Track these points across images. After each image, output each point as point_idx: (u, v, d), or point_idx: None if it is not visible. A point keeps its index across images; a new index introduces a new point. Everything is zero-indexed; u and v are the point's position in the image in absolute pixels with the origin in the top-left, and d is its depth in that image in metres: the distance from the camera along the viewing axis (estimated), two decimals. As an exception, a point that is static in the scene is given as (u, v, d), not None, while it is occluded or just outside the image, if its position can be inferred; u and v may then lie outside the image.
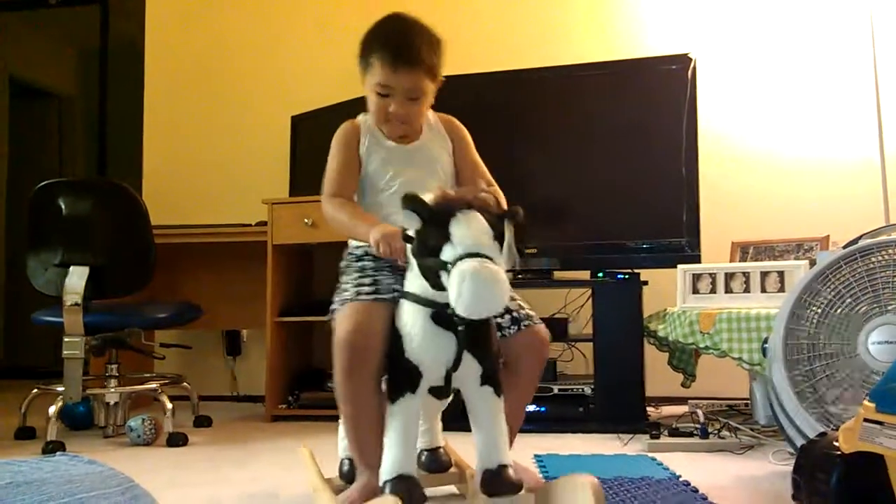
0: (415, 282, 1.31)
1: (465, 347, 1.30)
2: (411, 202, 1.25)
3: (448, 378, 1.33)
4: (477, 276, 1.13)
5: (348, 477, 1.62)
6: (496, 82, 3.02)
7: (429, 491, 1.35)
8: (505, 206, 1.45)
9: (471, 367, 1.32)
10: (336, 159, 1.60)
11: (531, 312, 1.54)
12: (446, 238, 1.21)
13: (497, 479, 1.31)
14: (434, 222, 1.24)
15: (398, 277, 1.43)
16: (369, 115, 1.64)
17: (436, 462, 1.68)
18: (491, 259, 1.19)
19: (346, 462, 1.64)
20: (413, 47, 1.52)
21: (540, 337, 1.52)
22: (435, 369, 1.32)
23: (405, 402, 1.32)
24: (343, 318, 1.40)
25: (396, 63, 1.51)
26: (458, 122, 1.71)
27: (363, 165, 1.60)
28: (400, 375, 1.33)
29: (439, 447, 1.71)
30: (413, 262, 1.30)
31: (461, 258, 1.17)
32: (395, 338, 1.35)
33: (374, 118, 1.60)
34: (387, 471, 1.30)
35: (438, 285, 1.23)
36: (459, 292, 1.14)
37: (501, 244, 1.25)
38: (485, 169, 1.68)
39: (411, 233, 1.28)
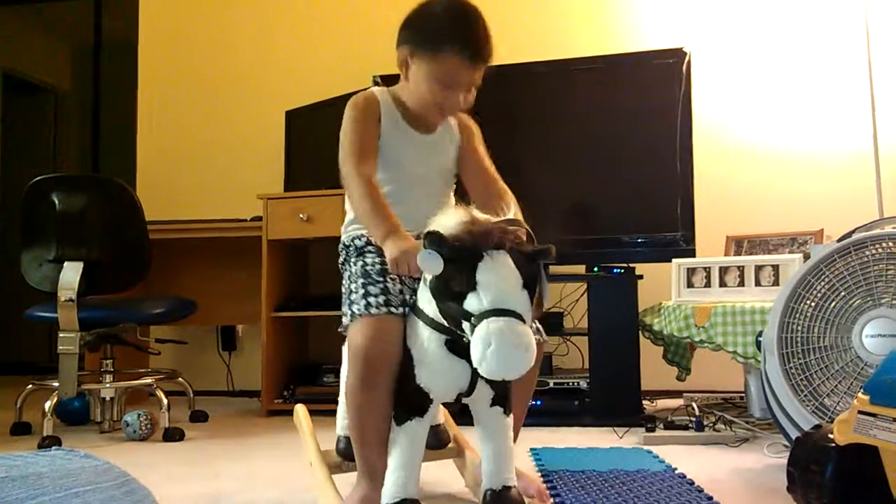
0: (430, 303, 1.24)
1: (479, 376, 1.25)
2: (433, 241, 1.15)
3: (458, 399, 1.32)
4: (504, 343, 1.06)
5: (344, 453, 1.62)
6: (490, 77, 3.00)
7: (429, 465, 1.35)
8: (517, 210, 1.40)
9: (483, 391, 1.31)
10: (357, 128, 1.50)
11: (539, 326, 1.49)
12: (471, 286, 1.12)
13: (501, 500, 1.31)
14: (458, 265, 1.14)
15: (407, 283, 1.39)
16: (388, 90, 1.57)
17: (435, 438, 1.67)
18: (519, 316, 1.11)
19: (343, 439, 1.63)
20: (488, 42, 1.48)
21: (542, 349, 1.51)
22: (446, 396, 1.30)
23: (412, 426, 1.30)
24: (357, 330, 1.35)
25: (476, 59, 1.46)
26: (471, 120, 1.66)
27: (379, 144, 1.52)
28: (409, 399, 1.30)
29: (439, 424, 1.71)
30: (428, 278, 1.23)
31: (487, 314, 1.09)
32: (405, 358, 1.31)
33: (424, 104, 1.51)
34: (389, 493, 1.28)
35: (458, 327, 1.17)
36: (484, 356, 1.07)
37: (531, 288, 1.16)
38: (491, 165, 1.63)
39: (431, 275, 1.19)
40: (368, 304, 1.36)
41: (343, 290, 1.49)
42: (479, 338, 1.08)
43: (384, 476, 1.31)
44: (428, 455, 1.62)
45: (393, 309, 1.35)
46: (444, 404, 1.41)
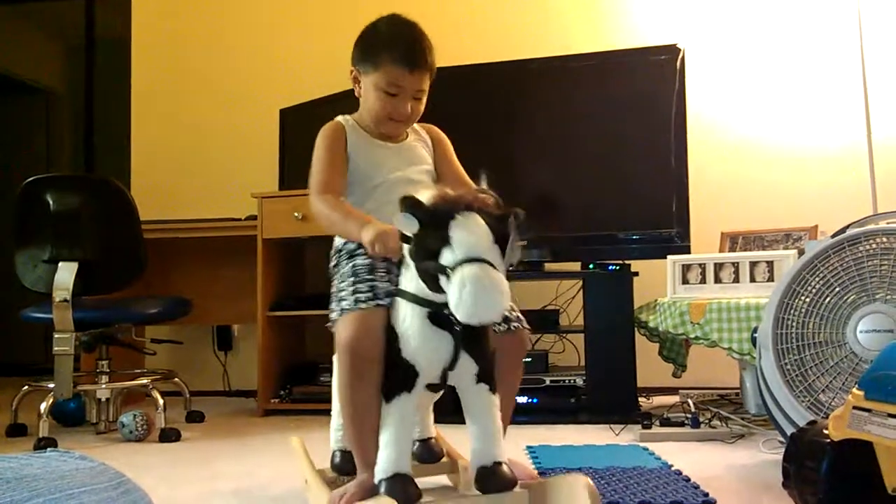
0: (411, 281, 1.29)
1: (462, 347, 1.29)
2: (409, 205, 1.21)
3: (444, 376, 1.32)
4: (478, 283, 1.11)
5: (340, 468, 1.63)
6: (485, 73, 3.02)
7: (421, 481, 1.35)
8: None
9: (467, 366, 1.32)
10: (323, 157, 1.60)
11: (520, 315, 1.55)
12: (446, 241, 1.18)
13: (492, 476, 1.31)
14: (433, 225, 1.21)
15: (393, 277, 1.43)
16: (351, 116, 1.67)
17: (428, 452, 1.69)
18: (491, 264, 1.17)
19: (339, 453, 1.65)
20: (424, 49, 1.58)
21: (525, 340, 1.56)
22: (431, 369, 1.31)
23: (401, 402, 1.31)
24: (345, 325, 1.38)
25: (413, 64, 1.56)
26: (438, 129, 1.75)
27: (350, 163, 1.61)
28: (396, 375, 1.32)
29: (431, 437, 1.72)
30: (409, 260, 1.28)
31: (461, 263, 1.15)
32: (391, 337, 1.34)
33: (372, 116, 1.61)
34: (382, 469, 1.29)
35: (437, 288, 1.21)
36: (460, 299, 1.12)
37: (502, 247, 1.22)
38: (463, 172, 1.71)
39: (409, 234, 1.25)
40: (357, 300, 1.40)
41: (332, 290, 1.52)
42: (455, 283, 1.13)
43: None
44: (422, 470, 1.63)
45: (380, 301, 1.39)
46: (432, 389, 1.41)
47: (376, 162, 1.61)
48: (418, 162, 1.66)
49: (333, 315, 1.45)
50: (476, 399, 1.35)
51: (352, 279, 1.46)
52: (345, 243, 1.59)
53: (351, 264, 1.51)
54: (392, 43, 1.57)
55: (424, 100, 1.63)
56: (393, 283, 1.42)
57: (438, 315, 1.27)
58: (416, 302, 1.29)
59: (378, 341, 1.35)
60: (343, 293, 1.45)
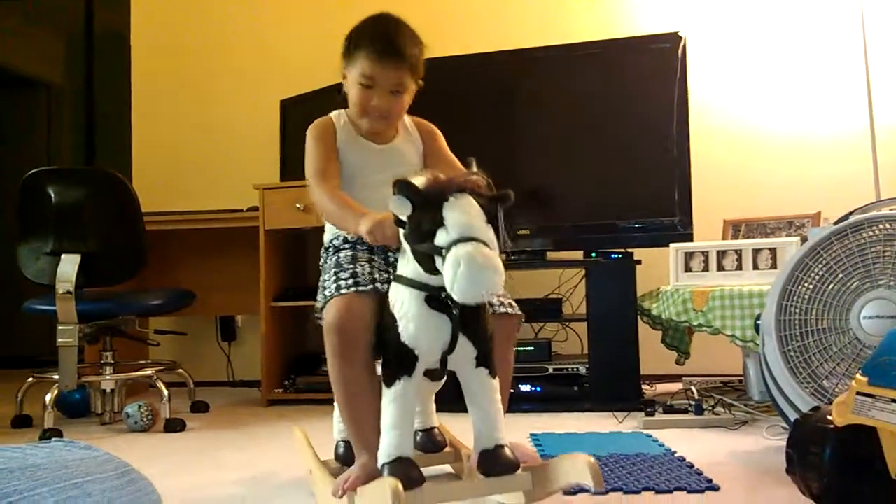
0: (407, 266, 1.30)
1: (460, 330, 1.30)
2: (402, 187, 1.23)
3: (443, 361, 1.33)
4: (472, 261, 1.13)
5: (344, 459, 1.64)
6: (486, 63, 3.00)
7: (425, 471, 1.36)
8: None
9: (466, 350, 1.33)
10: (317, 149, 1.61)
11: (513, 302, 1.57)
12: (439, 223, 1.20)
13: (494, 459, 1.32)
14: (426, 207, 1.22)
15: (376, 265, 1.47)
16: (345, 111, 1.68)
17: (431, 442, 1.70)
18: (485, 243, 1.18)
19: (342, 444, 1.66)
20: (398, 42, 1.57)
21: (517, 325, 1.57)
22: (430, 352, 1.32)
23: (401, 386, 1.31)
24: (329, 310, 1.41)
25: (383, 55, 1.55)
26: (431, 125, 1.75)
27: (339, 158, 1.62)
28: (396, 359, 1.32)
29: (434, 427, 1.73)
30: (405, 246, 1.29)
31: (455, 243, 1.17)
32: (389, 322, 1.34)
33: (354, 111, 1.63)
34: (385, 454, 1.30)
35: (432, 270, 1.23)
36: (455, 277, 1.13)
37: (494, 227, 1.23)
38: (458, 162, 1.69)
39: (404, 217, 1.26)
40: (339, 287, 1.43)
41: (319, 284, 1.55)
42: (450, 263, 1.14)
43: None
44: (425, 459, 1.63)
45: (361, 287, 1.41)
46: (432, 376, 1.41)
47: (361, 162, 1.63)
48: (405, 164, 1.66)
49: (318, 305, 1.48)
50: (476, 383, 1.35)
51: (334, 270, 1.50)
52: (331, 240, 1.62)
53: (335, 258, 1.56)
54: (367, 36, 1.58)
55: (407, 97, 1.62)
56: (375, 270, 1.46)
57: (436, 298, 1.28)
58: (413, 286, 1.30)
59: (362, 323, 1.37)
60: (326, 283, 1.49)
